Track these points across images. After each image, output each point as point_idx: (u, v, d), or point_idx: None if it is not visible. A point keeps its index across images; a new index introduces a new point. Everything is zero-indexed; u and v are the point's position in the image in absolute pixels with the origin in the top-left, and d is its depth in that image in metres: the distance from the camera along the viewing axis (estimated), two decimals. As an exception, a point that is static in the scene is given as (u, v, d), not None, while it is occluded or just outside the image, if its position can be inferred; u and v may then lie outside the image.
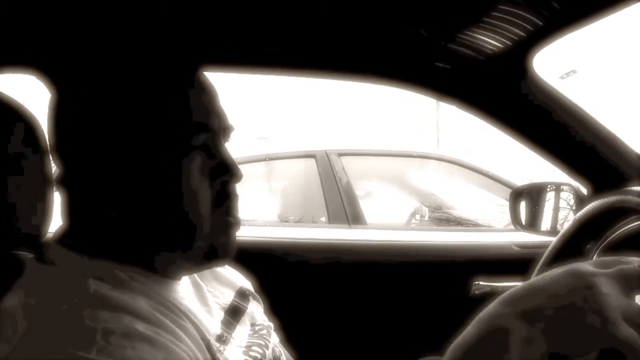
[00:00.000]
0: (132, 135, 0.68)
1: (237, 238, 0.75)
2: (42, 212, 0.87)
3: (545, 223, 1.40)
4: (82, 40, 0.98)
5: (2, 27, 0.97)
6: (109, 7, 0.94)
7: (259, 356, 0.80)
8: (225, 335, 0.78)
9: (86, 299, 0.62)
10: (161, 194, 0.68)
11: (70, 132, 0.71)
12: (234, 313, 0.85)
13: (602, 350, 0.53)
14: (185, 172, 0.69)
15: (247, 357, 0.78)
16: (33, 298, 0.64)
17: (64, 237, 0.73)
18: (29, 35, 1.00)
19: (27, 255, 0.86)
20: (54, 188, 0.80)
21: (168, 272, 0.74)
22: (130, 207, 0.69)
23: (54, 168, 0.80)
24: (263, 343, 0.84)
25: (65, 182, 0.73)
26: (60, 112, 0.72)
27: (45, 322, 0.60)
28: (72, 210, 0.74)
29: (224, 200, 0.73)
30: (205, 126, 0.71)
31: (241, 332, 0.83)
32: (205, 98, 0.73)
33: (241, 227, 0.76)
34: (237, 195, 0.76)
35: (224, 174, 0.73)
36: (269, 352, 0.83)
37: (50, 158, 0.80)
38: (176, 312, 0.70)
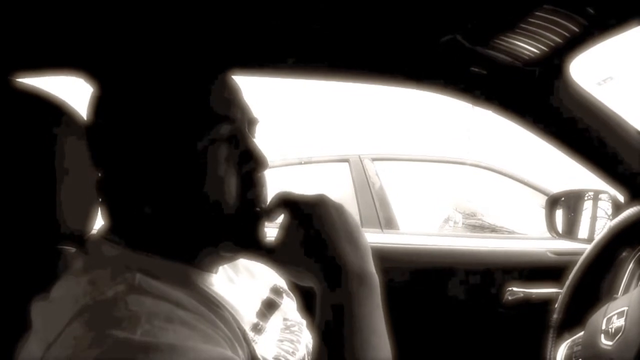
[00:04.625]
0: (160, 130, 0.72)
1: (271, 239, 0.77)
2: (87, 210, 0.91)
3: (583, 231, 1.39)
4: (121, 42, 1.02)
5: (54, 30, 1.01)
6: (146, 13, 0.98)
7: (291, 350, 0.83)
8: (260, 324, 0.81)
9: (131, 287, 0.66)
10: (189, 185, 0.72)
11: (104, 130, 0.75)
12: (268, 306, 0.88)
13: None
14: (211, 161, 0.72)
15: (279, 350, 0.81)
16: (80, 286, 0.67)
17: (108, 233, 0.77)
18: (77, 38, 1.04)
19: (71, 249, 0.90)
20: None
21: (205, 265, 0.78)
22: (162, 201, 0.73)
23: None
24: (295, 339, 0.86)
25: (104, 184, 0.77)
26: (96, 114, 0.77)
27: (92, 307, 0.64)
28: (111, 209, 0.78)
29: (250, 188, 0.75)
30: (227, 117, 0.74)
31: (274, 325, 0.85)
32: (227, 93, 0.77)
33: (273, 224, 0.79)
34: (264, 184, 0.78)
35: (250, 162, 0.75)
36: (301, 347, 0.85)
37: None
38: (213, 302, 0.73)
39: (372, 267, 0.73)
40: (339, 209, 0.74)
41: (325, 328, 0.69)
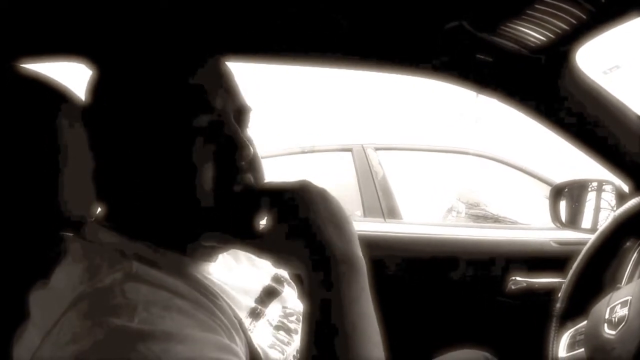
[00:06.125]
0: (138, 119, 0.72)
1: None
2: (89, 196, 0.90)
3: (586, 221, 1.39)
4: (122, 28, 1.02)
5: (57, 16, 1.00)
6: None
7: (286, 340, 0.82)
8: (259, 308, 0.81)
9: (129, 275, 0.65)
10: (170, 176, 0.71)
11: (93, 118, 0.76)
12: (269, 294, 0.88)
13: None
14: (186, 151, 0.70)
15: (274, 339, 0.81)
16: (78, 274, 0.67)
17: (104, 220, 0.77)
18: (80, 24, 1.03)
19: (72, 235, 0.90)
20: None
21: (199, 254, 0.77)
22: (145, 190, 0.72)
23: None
24: (292, 328, 0.86)
25: (96, 171, 0.77)
26: (92, 103, 0.77)
27: (89, 295, 0.63)
28: (104, 196, 0.78)
29: (233, 177, 0.74)
30: (207, 106, 0.72)
31: (273, 311, 0.85)
32: (212, 80, 0.75)
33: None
34: (259, 170, 0.77)
35: (232, 152, 0.73)
36: (297, 337, 0.85)
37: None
38: (211, 291, 0.73)
39: (358, 250, 0.72)
40: (322, 194, 0.73)
41: (312, 312, 0.68)
